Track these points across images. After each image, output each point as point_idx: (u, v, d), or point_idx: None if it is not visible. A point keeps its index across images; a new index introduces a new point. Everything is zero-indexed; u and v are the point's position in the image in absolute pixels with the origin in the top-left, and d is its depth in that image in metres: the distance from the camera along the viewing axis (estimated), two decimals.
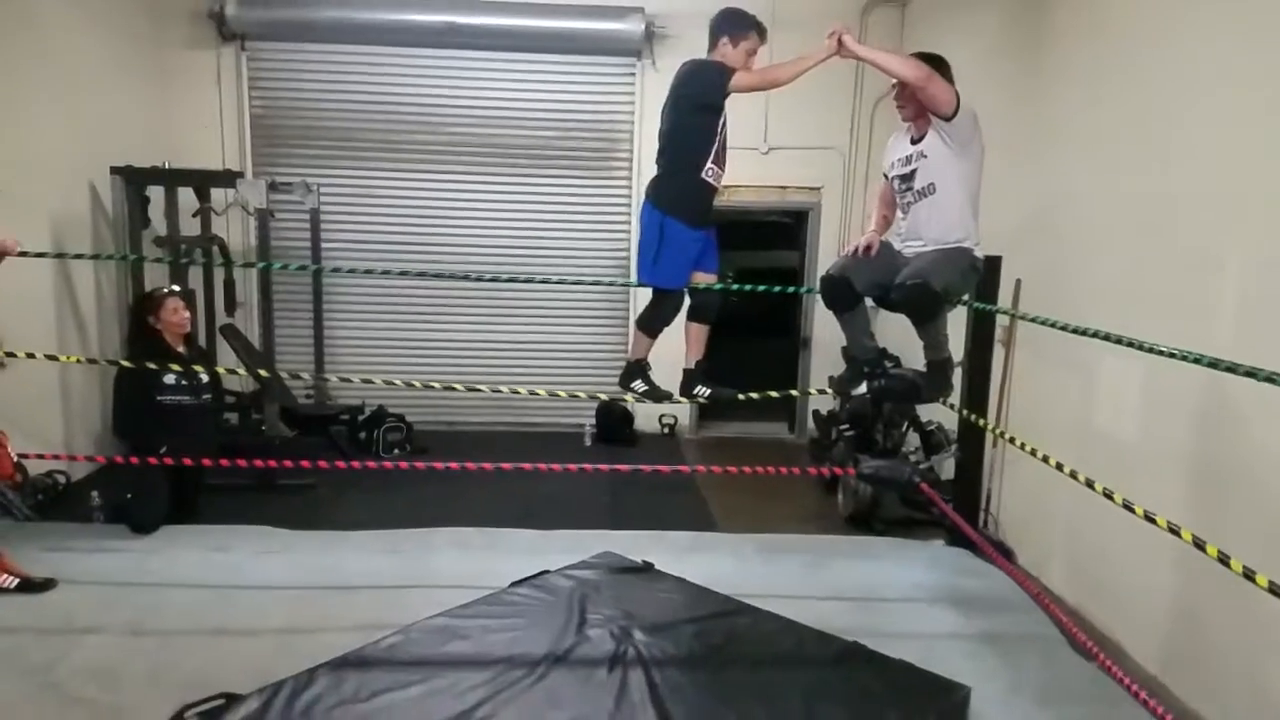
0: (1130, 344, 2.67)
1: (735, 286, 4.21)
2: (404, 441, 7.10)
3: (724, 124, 3.67)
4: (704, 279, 3.87)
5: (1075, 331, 3.03)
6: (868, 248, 3.66)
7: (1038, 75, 5.04)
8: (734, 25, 3.65)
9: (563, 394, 4.64)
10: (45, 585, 3.67)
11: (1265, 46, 3.30)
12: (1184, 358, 2.43)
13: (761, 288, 4.27)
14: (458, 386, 4.17)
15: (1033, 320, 3.64)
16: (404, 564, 4.07)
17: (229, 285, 6.60)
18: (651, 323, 3.93)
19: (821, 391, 4.92)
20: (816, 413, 7.35)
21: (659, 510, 5.68)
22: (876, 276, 3.58)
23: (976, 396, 4.32)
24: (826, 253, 7.62)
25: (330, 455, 6.37)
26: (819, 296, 3.79)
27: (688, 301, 3.92)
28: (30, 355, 4.16)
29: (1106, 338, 2.85)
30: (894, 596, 3.88)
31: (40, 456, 4.53)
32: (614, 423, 7.75)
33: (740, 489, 6.10)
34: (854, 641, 3.14)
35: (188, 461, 4.18)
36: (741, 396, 4.03)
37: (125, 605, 3.55)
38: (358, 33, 7.22)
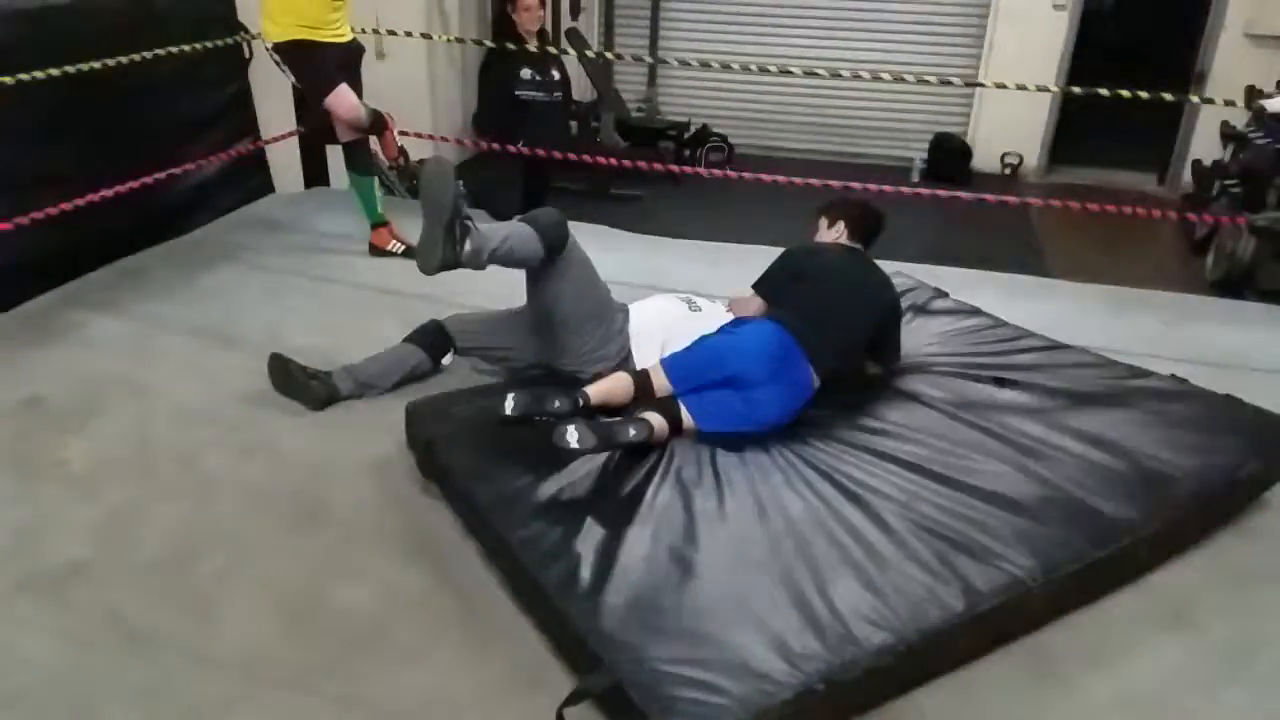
0: None
1: None
2: (725, 162, 7.17)
3: None
4: None
5: None
6: None
7: None
8: None
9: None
10: None
11: None
12: None
13: None
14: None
15: None
16: (725, 276, 4.14)
17: None
18: None
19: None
20: (1197, 163, 6.34)
21: (988, 251, 5.29)
22: None
23: None
24: None
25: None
26: None
27: None
28: (408, 34, 4.59)
29: None
30: (1265, 366, 3.42)
31: (418, 135, 5.01)
32: (947, 157, 7.22)
33: (1086, 239, 5.53)
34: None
35: (541, 153, 4.47)
36: None
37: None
38: None
